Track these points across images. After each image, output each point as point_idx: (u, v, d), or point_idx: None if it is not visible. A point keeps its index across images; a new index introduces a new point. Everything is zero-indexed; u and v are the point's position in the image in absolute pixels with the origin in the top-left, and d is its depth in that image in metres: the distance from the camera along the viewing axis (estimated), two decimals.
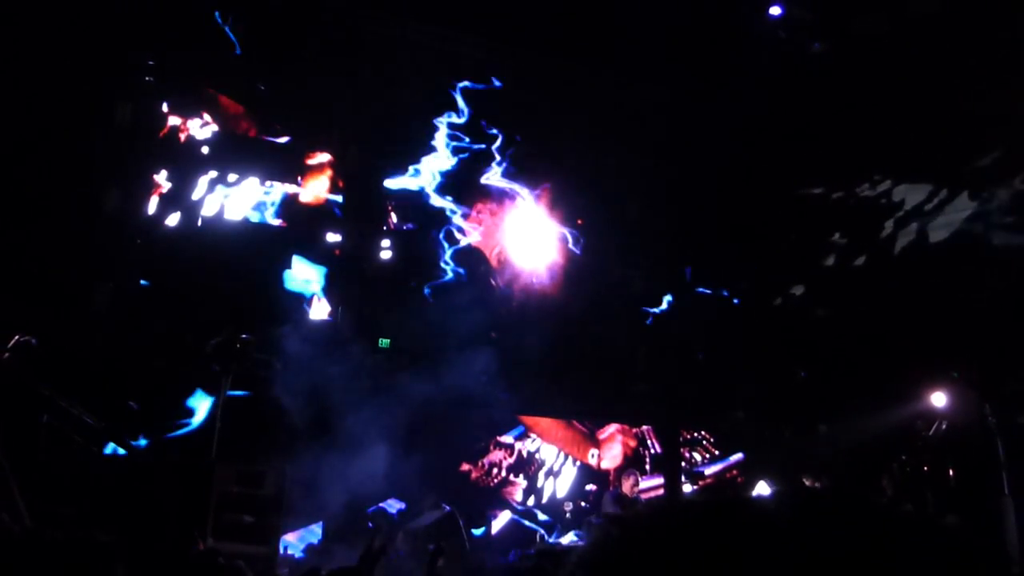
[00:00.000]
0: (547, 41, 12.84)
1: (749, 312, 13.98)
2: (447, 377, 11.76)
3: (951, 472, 10.51)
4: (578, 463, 13.21)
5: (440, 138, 13.13)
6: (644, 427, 13.76)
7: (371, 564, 6.03)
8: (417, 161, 12.96)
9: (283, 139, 12.43)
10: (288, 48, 12.06)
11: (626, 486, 11.06)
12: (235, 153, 12.11)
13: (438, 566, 7.60)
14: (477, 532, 11.92)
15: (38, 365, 8.43)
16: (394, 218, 12.99)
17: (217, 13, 11.91)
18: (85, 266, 10.90)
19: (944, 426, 10.55)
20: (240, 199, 12.06)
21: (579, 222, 14.15)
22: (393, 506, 11.63)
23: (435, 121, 13.18)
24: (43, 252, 10.24)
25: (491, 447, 12.76)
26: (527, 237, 13.76)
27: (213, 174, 11.92)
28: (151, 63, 11.51)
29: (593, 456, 13.35)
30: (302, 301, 12.20)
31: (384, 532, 9.32)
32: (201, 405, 10.64)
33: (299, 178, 12.54)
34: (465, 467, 12.44)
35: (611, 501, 11.04)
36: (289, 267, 12.13)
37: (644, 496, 11.82)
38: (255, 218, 12.15)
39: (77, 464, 8.80)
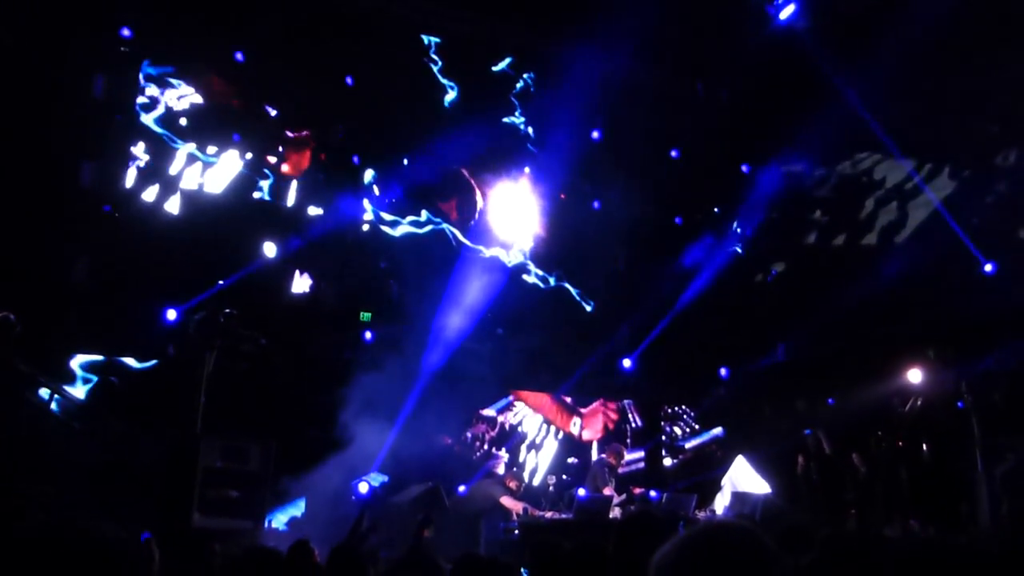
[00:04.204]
0: (528, 15, 12.71)
1: (731, 289, 14.07)
2: (430, 350, 11.80)
3: (925, 448, 10.70)
4: (560, 436, 13.32)
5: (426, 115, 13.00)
6: (626, 401, 13.89)
7: (358, 543, 6.10)
8: (402, 137, 12.84)
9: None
10: (268, 22, 11.82)
11: (612, 459, 11.20)
12: (215, 125, 11.91)
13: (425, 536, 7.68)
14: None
15: (16, 340, 8.33)
16: (376, 191, 12.89)
17: None
18: (62, 240, 10.73)
19: (920, 403, 10.72)
20: (220, 172, 11.90)
21: (561, 196, 14.14)
22: (376, 479, 11.68)
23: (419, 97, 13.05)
24: (19, 226, 10.06)
25: (474, 420, 12.82)
26: (510, 213, 13.73)
27: (192, 147, 11.74)
28: (126, 35, 11.24)
29: (575, 425, 13.46)
30: (283, 275, 12.12)
31: (371, 513, 9.36)
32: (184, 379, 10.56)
33: (281, 151, 12.39)
34: (448, 440, 12.48)
35: (602, 469, 11.20)
36: (271, 241, 12.02)
37: (624, 470, 11.99)
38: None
39: (58, 440, 8.76)
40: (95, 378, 10.42)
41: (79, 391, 10.14)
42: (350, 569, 4.80)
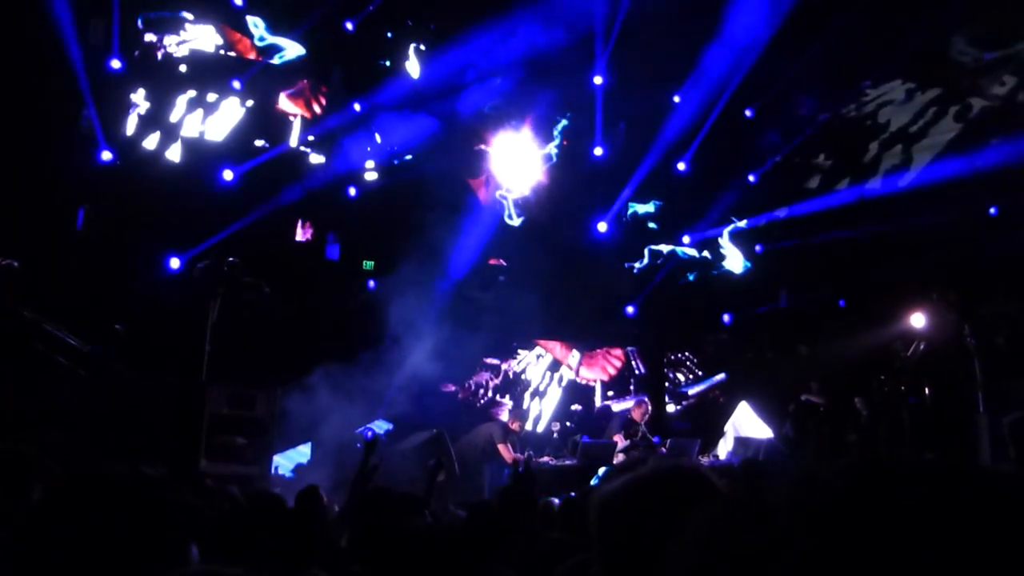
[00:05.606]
0: None
1: (735, 236, 14.03)
2: (433, 298, 11.79)
3: (928, 392, 10.73)
4: (564, 384, 13.36)
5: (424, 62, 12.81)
6: (629, 348, 13.91)
7: (365, 482, 6.13)
8: (403, 84, 12.68)
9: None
10: None
11: (637, 413, 11.23)
12: (215, 72, 11.76)
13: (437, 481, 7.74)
14: None
15: (21, 288, 8.33)
16: (378, 139, 12.77)
17: None
18: (63, 189, 10.67)
19: (923, 347, 10.72)
20: (221, 119, 11.78)
21: (564, 143, 14.01)
22: (381, 427, 11.75)
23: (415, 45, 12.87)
24: (20, 175, 10.00)
25: (477, 368, 12.87)
26: (513, 162, 13.61)
27: (192, 94, 11.61)
28: None
29: (574, 358, 13.49)
30: (286, 223, 12.07)
31: (376, 451, 9.42)
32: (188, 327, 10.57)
33: (280, 98, 12.25)
34: (451, 388, 12.55)
35: (620, 426, 11.25)
36: (272, 189, 11.94)
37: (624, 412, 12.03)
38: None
39: (64, 387, 8.78)
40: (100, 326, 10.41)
41: (83, 338, 10.14)
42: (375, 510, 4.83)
